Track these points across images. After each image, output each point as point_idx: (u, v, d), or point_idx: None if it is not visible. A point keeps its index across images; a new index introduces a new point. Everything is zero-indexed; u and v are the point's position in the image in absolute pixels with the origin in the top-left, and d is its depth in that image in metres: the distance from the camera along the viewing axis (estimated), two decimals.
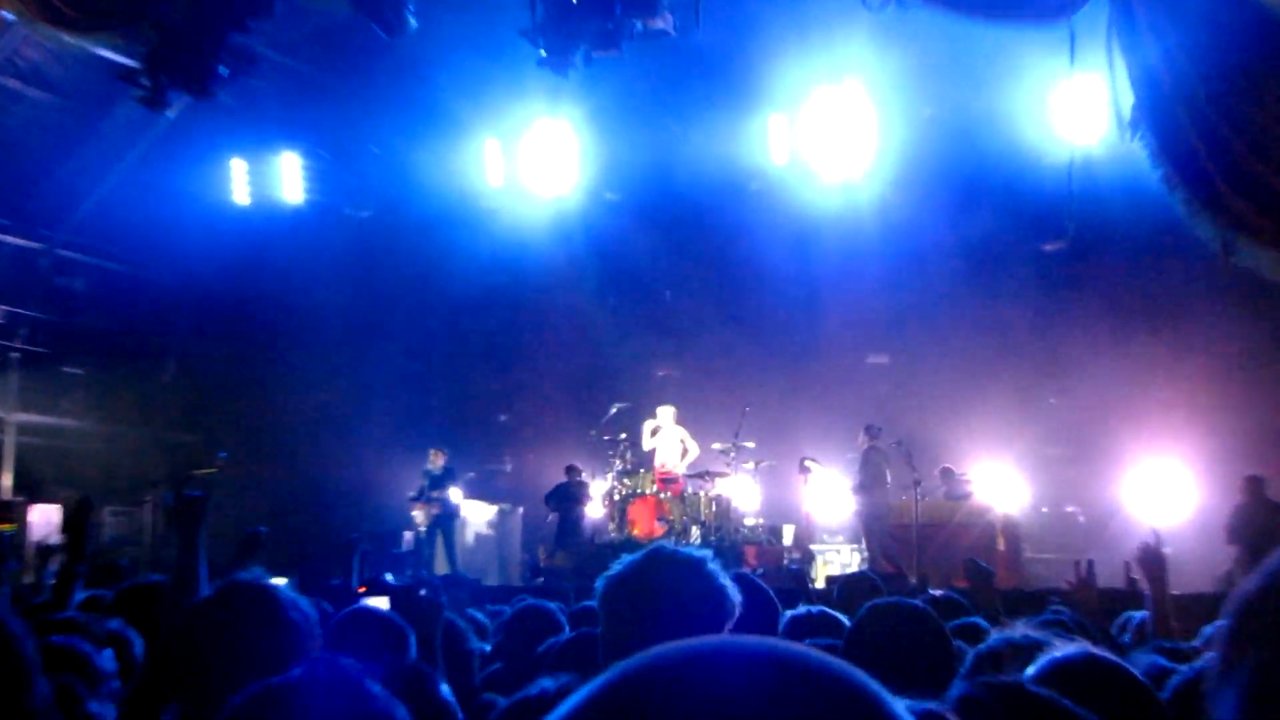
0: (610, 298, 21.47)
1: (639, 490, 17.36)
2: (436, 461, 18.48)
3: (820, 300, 19.81)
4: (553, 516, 18.63)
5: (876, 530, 16.09)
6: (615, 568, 2.80)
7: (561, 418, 20.86)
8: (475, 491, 19.61)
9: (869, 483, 16.13)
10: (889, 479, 16.23)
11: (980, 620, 4.93)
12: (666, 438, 18.05)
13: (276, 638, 2.71)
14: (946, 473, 17.33)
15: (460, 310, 21.66)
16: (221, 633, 2.70)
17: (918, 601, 3.78)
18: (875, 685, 0.98)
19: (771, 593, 4.19)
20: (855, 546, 17.37)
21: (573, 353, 21.95)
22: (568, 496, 18.47)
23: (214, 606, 2.83)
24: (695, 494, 17.33)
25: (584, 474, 18.60)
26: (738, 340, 20.68)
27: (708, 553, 2.82)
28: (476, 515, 19.46)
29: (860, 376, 20.28)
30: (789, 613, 4.83)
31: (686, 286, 21.19)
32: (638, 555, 2.79)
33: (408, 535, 18.61)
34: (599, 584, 2.78)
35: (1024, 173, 16.67)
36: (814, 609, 4.69)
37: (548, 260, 20.23)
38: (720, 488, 17.37)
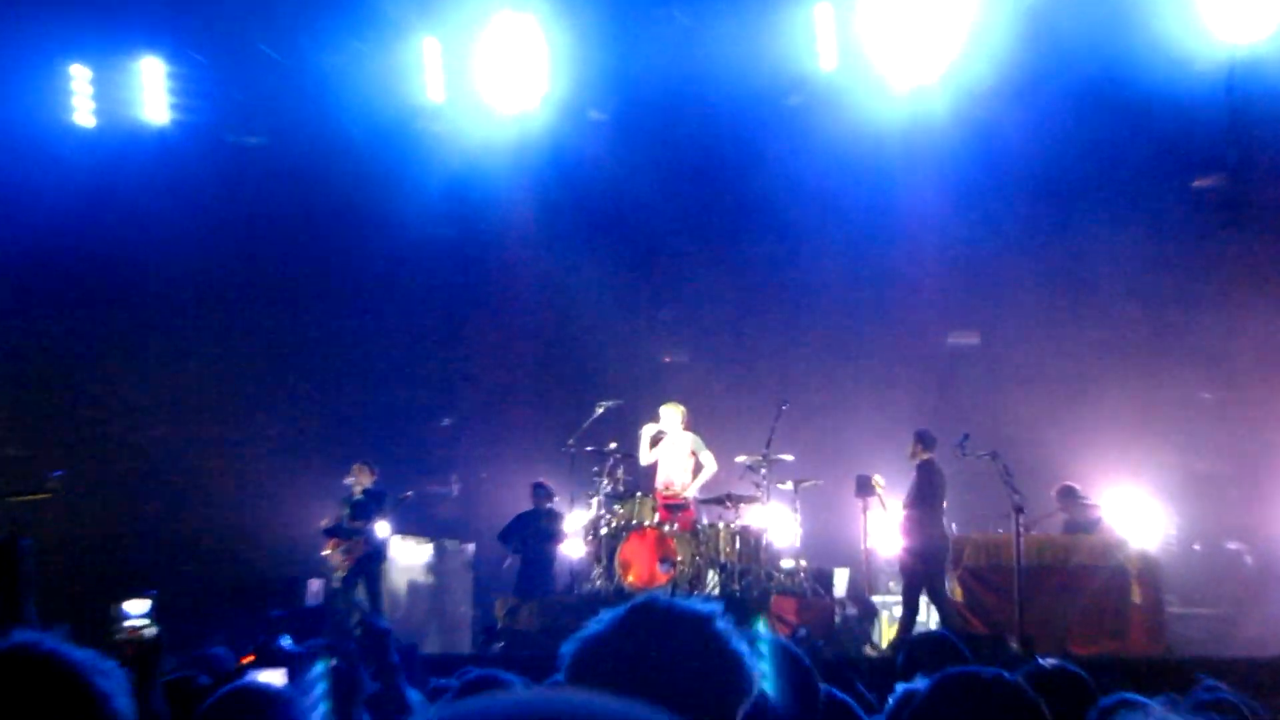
0: (594, 255, 21.45)
1: (635, 521, 17.34)
2: (361, 481, 18.37)
3: (883, 258, 19.82)
4: (511, 560, 18.61)
5: (919, 576, 15.94)
6: (590, 627, 2.83)
7: (528, 421, 20.86)
8: (408, 523, 19.56)
9: (921, 515, 15.98)
10: (945, 504, 16.15)
11: (1130, 695, 4.92)
12: (672, 448, 18.04)
13: (75, 718, 2.71)
14: (1067, 494, 17.29)
15: (389, 272, 21.63)
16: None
17: (1008, 674, 3.78)
18: None
19: (808, 661, 4.21)
20: None
21: (543, 331, 21.95)
22: (534, 530, 18.44)
23: None
24: (712, 526, 17.32)
25: (556, 499, 18.63)
26: (770, 314, 20.68)
27: (715, 607, 2.84)
28: (409, 555, 19.43)
29: (939, 363, 20.29)
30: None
31: (700, 239, 21.18)
32: (619, 611, 2.82)
33: (314, 583, 18.59)
34: (565, 649, 2.81)
35: (1165, 82, 16.66)
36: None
37: (508, 203, 20.24)
38: (747, 517, 17.37)
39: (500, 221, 20.71)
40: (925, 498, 15.97)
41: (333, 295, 21.52)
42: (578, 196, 20.43)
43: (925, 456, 16.13)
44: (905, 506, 16.17)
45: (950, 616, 15.51)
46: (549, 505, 18.61)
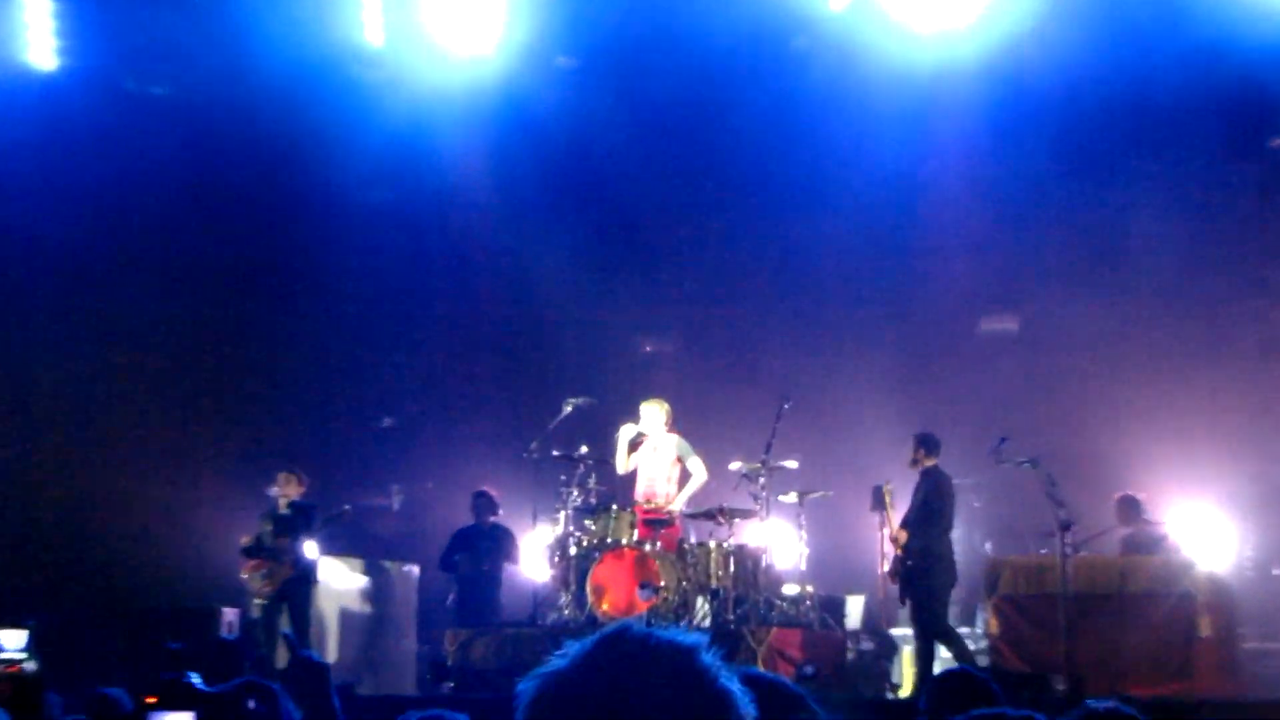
0: (561, 225, 21.44)
1: (610, 539, 17.33)
2: (287, 491, 18.30)
3: (903, 230, 19.84)
4: (455, 593, 18.59)
5: (926, 604, 15.90)
6: (552, 663, 2.81)
7: (483, 422, 20.87)
8: (342, 541, 19.54)
9: (926, 532, 15.93)
10: (953, 523, 16.11)
11: None
12: (655, 454, 18.04)
13: None
14: (1130, 506, 17.25)
15: (319, 245, 21.57)
16: None
17: (1042, 718, 3.80)
18: None
19: (812, 702, 4.20)
20: (970, 630, 17.32)
21: (501, 314, 21.94)
22: (484, 547, 18.44)
23: None
24: (702, 545, 17.32)
25: (502, 511, 18.61)
26: (770, 295, 20.69)
27: (700, 638, 2.82)
28: (343, 579, 19.41)
29: (970, 353, 20.33)
30: None
31: (686, 208, 21.18)
32: (586, 643, 2.80)
33: (229, 613, 18.52)
34: (522, 689, 2.79)
35: (1234, 28, 16.71)
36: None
37: (459, 164, 20.22)
38: (743, 535, 17.39)
39: (450, 186, 20.68)
40: (930, 511, 15.93)
41: (252, 272, 21.43)
42: (542, 156, 20.38)
43: (929, 463, 16.10)
44: (905, 522, 16.13)
45: (963, 651, 15.50)
46: (493, 520, 18.58)
